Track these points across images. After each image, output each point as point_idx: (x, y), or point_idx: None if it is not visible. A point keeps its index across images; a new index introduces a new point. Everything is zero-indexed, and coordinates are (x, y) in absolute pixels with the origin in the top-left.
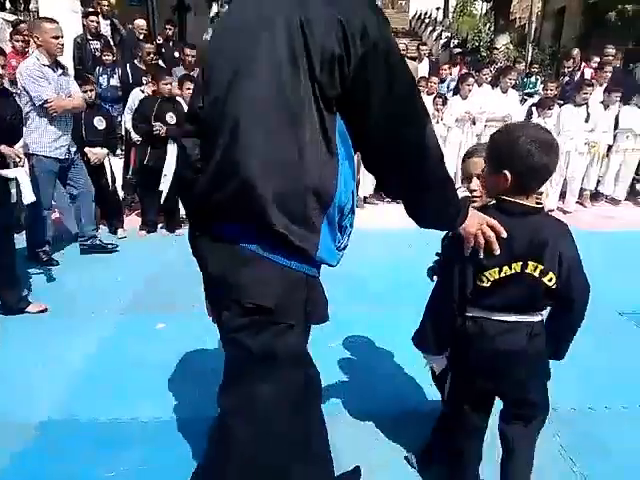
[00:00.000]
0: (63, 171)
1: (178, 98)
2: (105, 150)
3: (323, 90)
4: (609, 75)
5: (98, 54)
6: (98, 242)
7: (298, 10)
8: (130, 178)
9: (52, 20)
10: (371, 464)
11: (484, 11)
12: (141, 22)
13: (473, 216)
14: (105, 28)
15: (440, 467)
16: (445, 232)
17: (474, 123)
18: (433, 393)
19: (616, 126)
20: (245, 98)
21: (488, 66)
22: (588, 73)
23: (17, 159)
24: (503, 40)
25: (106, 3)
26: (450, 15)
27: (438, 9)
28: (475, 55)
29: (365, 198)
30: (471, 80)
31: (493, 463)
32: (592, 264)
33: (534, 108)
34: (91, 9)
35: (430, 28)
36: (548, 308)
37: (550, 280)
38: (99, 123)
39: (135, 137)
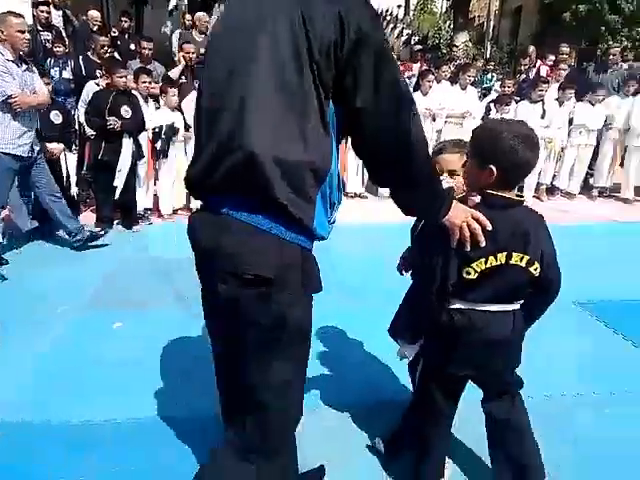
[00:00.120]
0: (25, 169)
1: (134, 92)
2: (61, 145)
3: (321, 73)
4: (564, 73)
5: (49, 46)
6: (87, 232)
7: (299, 8)
8: (85, 173)
9: (18, 14)
10: (345, 453)
11: (444, 9)
12: (95, 13)
13: (457, 208)
14: (57, 19)
15: (410, 452)
16: (414, 224)
17: (434, 119)
18: (407, 383)
19: (571, 122)
20: (247, 92)
21: (447, 63)
22: (544, 71)
23: None
24: (462, 38)
25: None
26: (411, 13)
27: (399, 7)
28: (435, 52)
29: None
30: (431, 77)
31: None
32: None
33: (492, 104)
34: None
35: (391, 25)
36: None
37: (536, 269)
38: (55, 117)
39: (89, 131)
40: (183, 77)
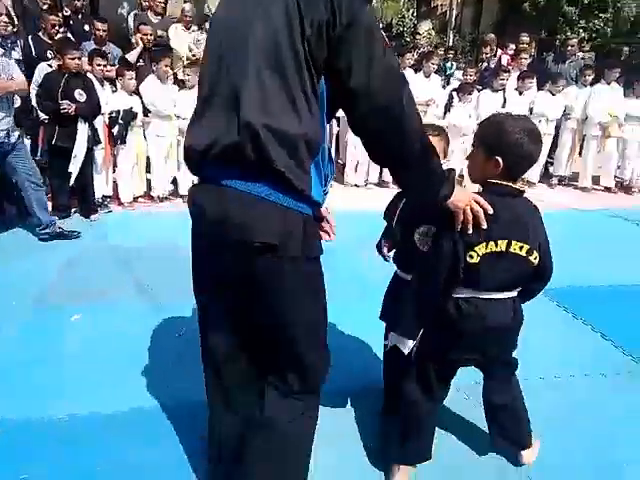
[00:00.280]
0: (2, 155)
1: (89, 74)
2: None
3: (312, 53)
4: (526, 62)
5: None
6: (58, 229)
7: None
8: (38, 159)
9: None
10: (330, 435)
11: None
12: None
13: (461, 192)
14: None
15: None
16: (387, 208)
17: None
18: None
19: (530, 112)
20: (244, 69)
21: (411, 51)
22: (505, 60)
23: None
24: (425, 26)
25: None
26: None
27: None
28: (399, 40)
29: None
30: None
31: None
32: None
33: (454, 93)
34: None
35: None
36: None
37: (535, 259)
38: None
39: (42, 115)
40: (141, 60)
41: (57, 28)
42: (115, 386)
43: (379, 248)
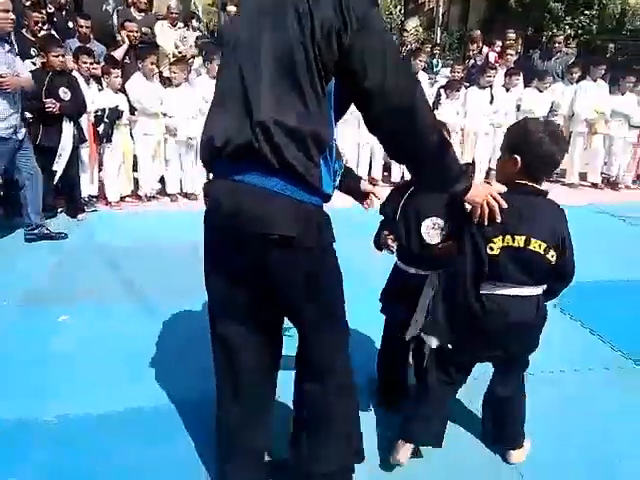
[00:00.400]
0: (10, 153)
1: (74, 72)
2: None
3: (322, 56)
4: (512, 59)
5: None
6: (46, 231)
7: (308, 1)
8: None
9: None
10: None
11: None
12: None
13: (478, 187)
14: None
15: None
16: (383, 203)
17: None
18: None
19: (518, 108)
20: (258, 70)
21: (399, 47)
22: (492, 57)
23: None
24: (413, 23)
25: None
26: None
27: None
28: None
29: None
30: None
31: None
32: None
33: (442, 90)
34: None
35: None
36: None
37: (552, 257)
38: None
39: (27, 114)
40: (127, 57)
41: (40, 25)
42: (106, 386)
43: (378, 243)
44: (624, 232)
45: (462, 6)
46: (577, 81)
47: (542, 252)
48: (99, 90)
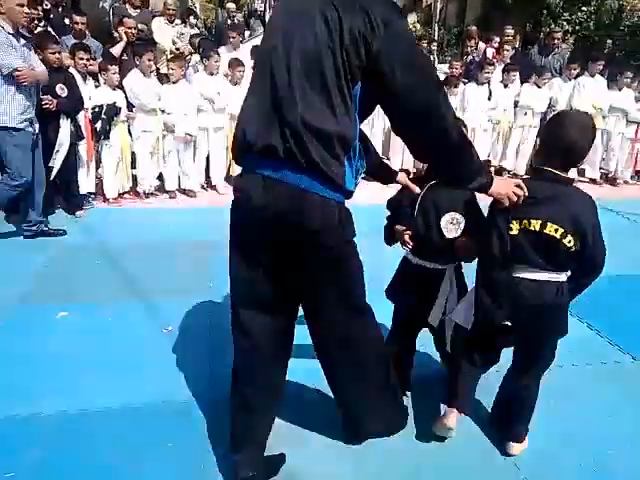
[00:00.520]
0: (31, 146)
1: (71, 69)
2: None
3: (350, 59)
4: (508, 54)
5: None
6: (45, 228)
7: (335, 3)
8: None
9: None
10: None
11: None
12: None
13: (501, 181)
14: None
15: None
16: (393, 198)
17: None
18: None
19: (515, 104)
20: (290, 73)
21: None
22: (490, 53)
23: None
24: (411, 19)
25: None
26: None
27: None
28: None
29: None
30: None
31: None
32: None
33: None
34: None
35: None
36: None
37: (569, 242)
38: None
39: None
40: (124, 54)
41: (37, 22)
42: (103, 384)
43: (389, 238)
44: (623, 228)
45: (460, 2)
46: (575, 77)
47: (558, 237)
48: (96, 87)
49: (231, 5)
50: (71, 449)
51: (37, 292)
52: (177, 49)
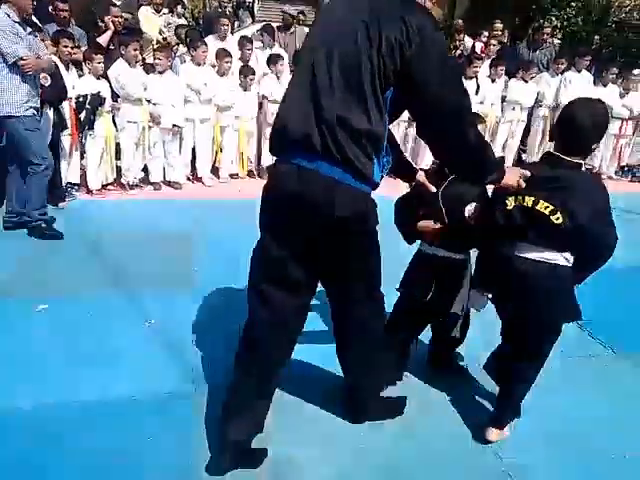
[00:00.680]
0: (45, 130)
1: (54, 57)
2: None
3: (385, 64)
4: (494, 49)
5: None
6: (27, 219)
7: (375, 13)
8: (2, 145)
9: None
10: None
11: None
12: None
13: (509, 172)
14: None
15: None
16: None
17: None
18: None
19: (503, 99)
20: (330, 74)
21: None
22: (479, 47)
23: None
24: None
25: None
26: None
27: None
28: None
29: (268, 168)
30: None
31: None
32: None
33: None
34: None
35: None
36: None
37: (557, 219)
38: None
39: None
40: (111, 43)
41: None
42: (83, 378)
43: (410, 233)
44: None
45: None
46: (562, 72)
47: (547, 213)
48: (79, 76)
49: None
50: (51, 443)
51: (16, 284)
52: (164, 39)
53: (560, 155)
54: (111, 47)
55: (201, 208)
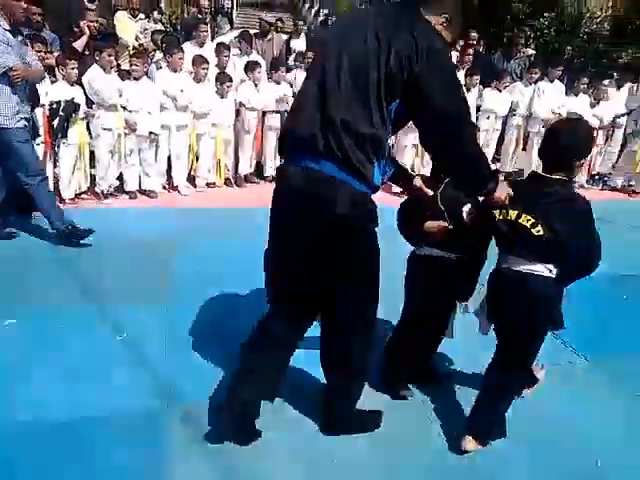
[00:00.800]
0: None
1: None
2: None
3: (392, 75)
4: (467, 58)
5: None
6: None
7: (385, 29)
8: None
9: None
10: None
11: None
12: None
13: (501, 186)
14: None
15: None
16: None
17: None
18: None
19: (478, 108)
20: (340, 84)
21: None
22: (454, 56)
23: None
24: None
25: None
26: None
27: None
28: None
29: (245, 177)
30: None
31: None
32: None
33: None
34: None
35: (308, 4)
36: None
37: (538, 232)
38: None
39: None
40: (87, 49)
41: None
42: (53, 396)
43: (414, 236)
44: None
45: None
46: (535, 82)
47: (528, 226)
48: (52, 82)
49: (205, 2)
50: (21, 463)
51: None
52: (140, 45)
53: (542, 173)
54: (86, 52)
55: (177, 217)
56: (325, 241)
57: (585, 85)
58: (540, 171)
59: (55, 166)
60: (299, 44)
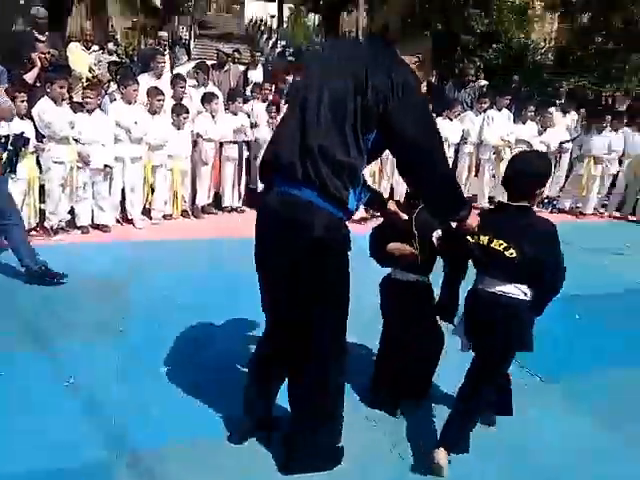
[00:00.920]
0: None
1: None
2: None
3: (369, 108)
4: (425, 89)
5: None
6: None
7: (365, 67)
8: None
9: None
10: None
11: (316, 23)
12: None
13: (472, 215)
14: None
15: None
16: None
17: None
18: None
19: None
20: (318, 115)
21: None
22: None
23: None
24: None
25: None
26: (284, 24)
27: (273, 17)
28: None
29: (203, 208)
30: None
31: None
32: None
33: None
34: None
35: (265, 35)
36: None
37: (511, 254)
38: None
39: None
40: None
41: None
42: None
43: (384, 258)
44: None
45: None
46: (485, 110)
47: (501, 250)
48: None
49: (163, 33)
50: None
51: None
52: (94, 77)
53: (503, 201)
54: (37, 84)
55: (131, 252)
56: (302, 266)
57: (532, 113)
58: (501, 199)
59: None
60: (256, 75)
